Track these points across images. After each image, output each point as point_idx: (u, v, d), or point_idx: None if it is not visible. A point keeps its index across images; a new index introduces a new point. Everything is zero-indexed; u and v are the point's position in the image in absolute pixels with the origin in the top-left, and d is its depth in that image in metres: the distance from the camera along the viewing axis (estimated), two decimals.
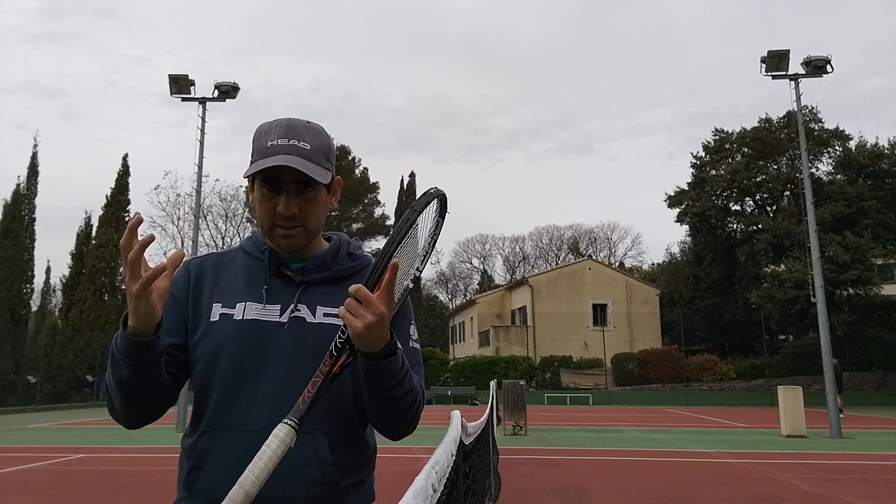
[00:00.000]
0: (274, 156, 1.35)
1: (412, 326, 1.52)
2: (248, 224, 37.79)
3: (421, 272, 1.28)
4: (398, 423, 1.38)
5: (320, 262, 1.47)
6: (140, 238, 1.15)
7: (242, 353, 1.36)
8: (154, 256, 53.23)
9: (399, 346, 1.28)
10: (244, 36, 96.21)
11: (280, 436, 1.10)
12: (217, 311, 1.41)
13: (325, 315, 1.40)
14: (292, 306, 1.40)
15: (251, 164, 1.40)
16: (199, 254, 1.54)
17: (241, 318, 1.38)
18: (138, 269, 1.15)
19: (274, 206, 1.38)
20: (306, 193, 1.39)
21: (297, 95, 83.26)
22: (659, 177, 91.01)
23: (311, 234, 1.45)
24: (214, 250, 1.58)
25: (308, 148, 1.37)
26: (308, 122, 1.44)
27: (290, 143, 1.36)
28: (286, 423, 1.12)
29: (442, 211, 1.28)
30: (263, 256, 1.45)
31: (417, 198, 1.24)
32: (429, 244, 1.29)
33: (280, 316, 1.39)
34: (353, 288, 1.20)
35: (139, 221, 1.14)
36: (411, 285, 1.29)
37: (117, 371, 1.27)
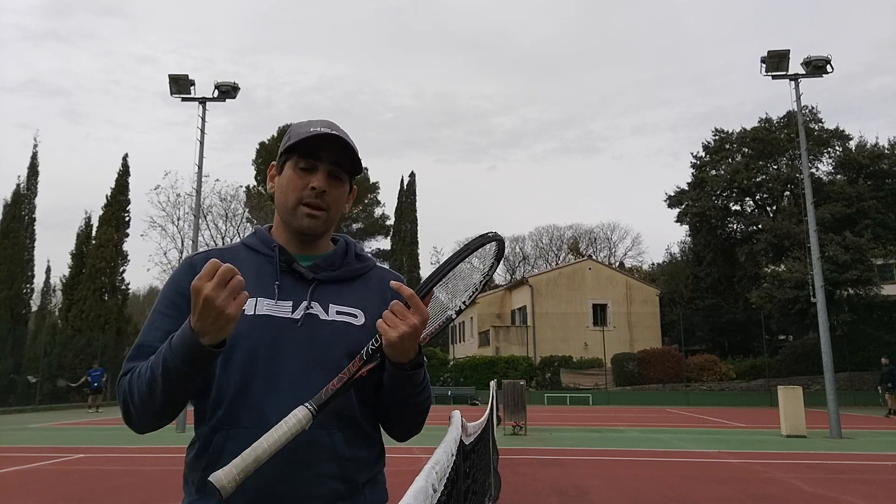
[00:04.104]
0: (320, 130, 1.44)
1: None
2: (248, 224, 37.70)
3: (466, 306, 1.34)
4: (411, 426, 1.47)
5: (330, 261, 1.48)
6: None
7: (256, 349, 1.34)
8: (154, 256, 53.35)
9: (426, 358, 1.35)
10: (248, 34, 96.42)
11: (298, 416, 1.17)
12: None
13: (339, 313, 1.42)
14: (305, 303, 1.40)
15: (289, 145, 1.44)
16: (199, 250, 1.54)
17: (252, 313, 1.37)
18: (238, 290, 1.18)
19: (306, 184, 1.43)
20: (337, 180, 1.46)
21: (301, 94, 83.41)
22: (663, 176, 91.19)
23: (330, 224, 1.48)
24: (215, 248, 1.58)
25: (347, 140, 1.45)
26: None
27: (333, 131, 1.44)
28: (305, 407, 1.19)
29: (499, 255, 1.33)
30: (273, 253, 1.45)
31: (477, 236, 1.31)
32: (480, 283, 1.34)
33: (293, 312, 1.39)
34: (395, 285, 1.30)
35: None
36: (454, 316, 1.34)
37: (167, 379, 1.24)
